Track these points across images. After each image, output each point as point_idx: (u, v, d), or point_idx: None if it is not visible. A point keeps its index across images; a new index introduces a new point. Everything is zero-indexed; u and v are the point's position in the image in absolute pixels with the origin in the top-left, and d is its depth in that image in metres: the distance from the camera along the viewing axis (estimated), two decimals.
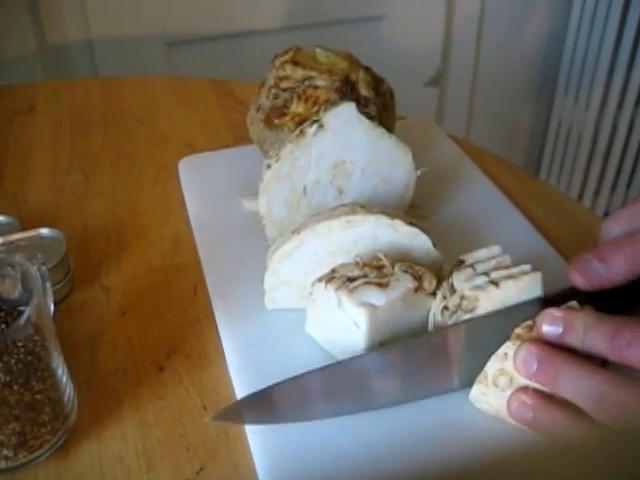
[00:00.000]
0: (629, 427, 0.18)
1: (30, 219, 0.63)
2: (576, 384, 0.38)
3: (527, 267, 0.45)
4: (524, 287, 0.43)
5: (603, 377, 0.37)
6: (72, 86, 0.91)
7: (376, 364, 0.43)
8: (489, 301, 0.43)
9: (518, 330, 0.42)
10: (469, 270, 0.45)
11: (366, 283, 0.45)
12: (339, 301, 0.45)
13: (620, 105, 1.61)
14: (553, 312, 0.40)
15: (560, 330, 0.39)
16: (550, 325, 0.40)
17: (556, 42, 1.63)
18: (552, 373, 0.39)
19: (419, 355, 0.43)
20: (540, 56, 1.64)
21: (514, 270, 0.45)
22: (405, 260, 0.48)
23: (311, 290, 0.47)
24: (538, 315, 0.41)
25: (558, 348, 0.40)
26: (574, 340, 0.39)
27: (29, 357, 0.40)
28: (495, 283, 0.44)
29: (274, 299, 0.52)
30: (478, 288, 0.43)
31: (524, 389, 0.40)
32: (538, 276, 0.44)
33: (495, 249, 0.47)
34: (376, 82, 0.60)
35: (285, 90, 0.59)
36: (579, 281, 0.41)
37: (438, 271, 0.49)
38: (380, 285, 0.45)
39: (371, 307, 0.44)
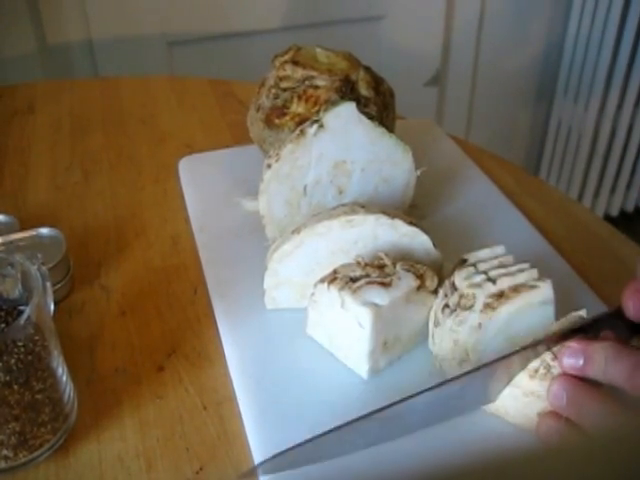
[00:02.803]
0: (631, 431, 0.18)
1: (30, 219, 0.63)
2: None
3: (525, 265, 0.45)
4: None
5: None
6: (72, 86, 0.91)
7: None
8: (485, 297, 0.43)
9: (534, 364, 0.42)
10: (471, 269, 0.45)
11: (369, 283, 0.45)
12: (342, 301, 0.45)
13: (620, 106, 1.61)
14: (573, 344, 0.40)
15: (580, 362, 0.39)
16: (570, 357, 0.40)
17: (556, 42, 1.62)
18: (577, 408, 0.39)
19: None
20: (540, 56, 1.64)
21: (512, 268, 0.45)
22: (405, 259, 0.48)
23: (313, 291, 0.47)
24: (560, 348, 0.41)
25: (582, 381, 0.40)
26: (595, 372, 0.39)
27: (29, 357, 0.40)
28: (492, 280, 0.44)
29: (274, 299, 0.52)
30: (475, 285, 0.44)
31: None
32: (534, 273, 0.45)
33: (498, 249, 0.47)
34: (376, 82, 0.60)
35: (285, 90, 0.59)
36: (630, 310, 0.41)
37: (438, 271, 0.49)
38: (383, 284, 0.45)
39: (375, 307, 0.44)
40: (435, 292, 0.47)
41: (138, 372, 0.49)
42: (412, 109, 0.84)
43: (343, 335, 0.46)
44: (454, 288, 0.45)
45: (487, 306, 0.43)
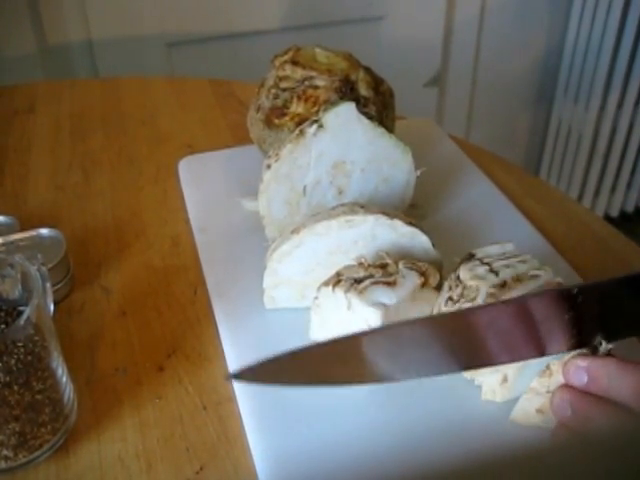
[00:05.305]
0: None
1: (30, 219, 0.63)
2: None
3: (527, 256, 0.46)
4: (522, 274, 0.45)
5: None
6: (72, 86, 0.91)
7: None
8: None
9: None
10: (476, 262, 0.46)
11: (374, 283, 0.45)
12: (349, 303, 0.44)
13: (620, 105, 1.61)
14: (578, 362, 0.40)
15: (585, 380, 0.39)
16: (575, 375, 0.40)
17: (556, 42, 1.62)
18: (584, 419, 0.39)
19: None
20: (540, 56, 1.64)
21: (513, 260, 0.45)
22: (405, 259, 0.48)
23: (316, 295, 0.47)
24: (564, 363, 0.40)
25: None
26: (599, 390, 0.39)
27: (29, 357, 0.40)
28: (495, 272, 0.44)
29: (273, 298, 0.52)
30: (479, 277, 0.44)
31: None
32: (535, 263, 0.45)
33: (508, 246, 0.47)
34: (376, 82, 0.60)
35: (285, 90, 0.59)
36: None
37: (438, 271, 0.49)
38: (388, 284, 0.45)
39: (383, 306, 0.44)
40: (438, 289, 0.47)
41: (138, 372, 0.49)
42: (412, 109, 0.84)
43: None
44: (458, 281, 0.45)
45: (491, 296, 0.43)
